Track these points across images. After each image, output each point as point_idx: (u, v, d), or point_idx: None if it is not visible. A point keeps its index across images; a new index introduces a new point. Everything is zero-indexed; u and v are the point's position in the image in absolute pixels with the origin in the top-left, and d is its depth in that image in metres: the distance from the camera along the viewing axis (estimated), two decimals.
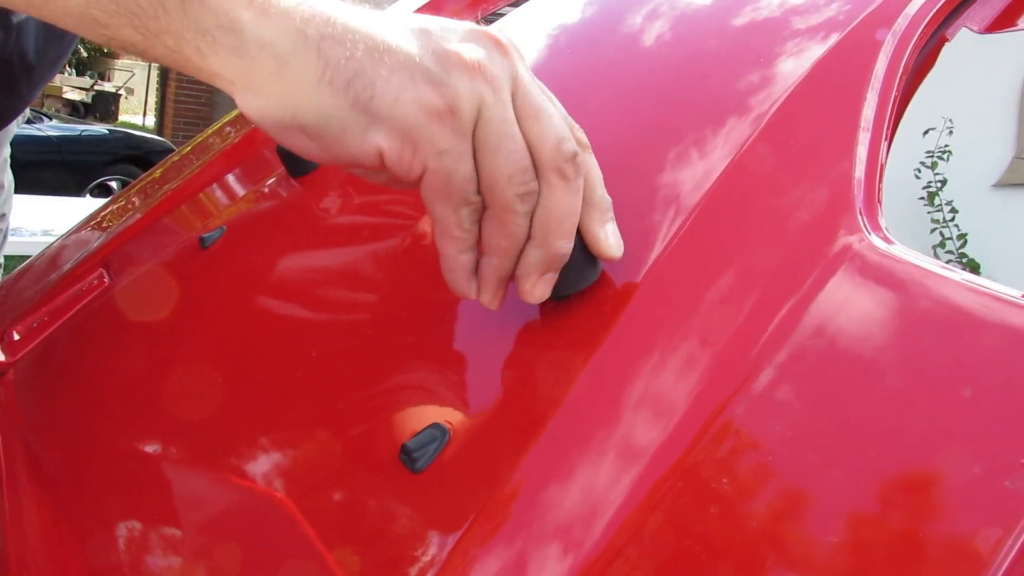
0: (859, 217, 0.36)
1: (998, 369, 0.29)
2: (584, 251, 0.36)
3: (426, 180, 0.33)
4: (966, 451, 0.27)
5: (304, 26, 0.31)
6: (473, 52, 0.32)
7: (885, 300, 0.33)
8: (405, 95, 0.31)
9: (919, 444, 0.28)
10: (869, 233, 0.36)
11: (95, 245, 0.77)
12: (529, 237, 0.35)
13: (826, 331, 0.33)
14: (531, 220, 0.34)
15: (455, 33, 0.33)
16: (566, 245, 0.35)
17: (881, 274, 0.34)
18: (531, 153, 0.33)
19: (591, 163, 0.37)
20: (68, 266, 0.75)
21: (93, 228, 0.84)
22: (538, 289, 0.35)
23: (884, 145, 0.39)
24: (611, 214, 0.37)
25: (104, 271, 0.72)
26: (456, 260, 0.35)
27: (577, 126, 0.37)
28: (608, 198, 0.37)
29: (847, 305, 0.33)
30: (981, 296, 0.32)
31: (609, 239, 0.36)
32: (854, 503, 0.28)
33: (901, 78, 0.41)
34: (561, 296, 0.37)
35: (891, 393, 0.30)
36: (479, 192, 0.33)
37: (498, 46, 0.33)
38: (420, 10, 0.76)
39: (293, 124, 0.32)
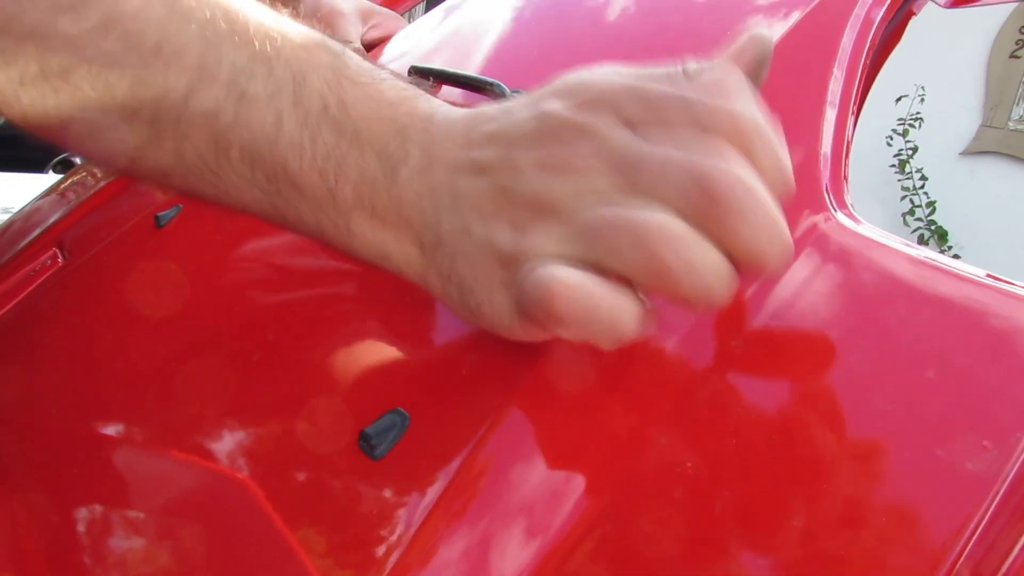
0: (825, 195, 0.36)
1: (962, 349, 0.29)
2: None
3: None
4: (930, 432, 0.27)
5: (422, 231, 0.31)
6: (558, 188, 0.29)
7: (850, 279, 0.33)
8: (495, 285, 0.30)
9: (882, 425, 0.28)
10: (835, 211, 0.35)
11: (49, 223, 0.75)
12: None
13: (791, 309, 0.32)
14: None
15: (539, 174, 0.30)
16: None
17: (847, 253, 0.33)
18: None
19: None
20: (20, 245, 0.73)
21: (48, 205, 0.82)
22: None
23: (851, 121, 0.38)
24: None
25: (58, 251, 0.71)
26: None
27: None
28: None
29: (812, 283, 0.33)
30: (947, 276, 0.31)
31: None
32: (813, 483, 0.28)
33: (868, 53, 0.40)
34: None
35: (855, 373, 0.30)
36: None
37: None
38: None
39: (468, 316, 0.32)
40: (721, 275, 0.27)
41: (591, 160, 0.28)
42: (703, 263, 0.26)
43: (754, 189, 0.26)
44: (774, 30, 0.42)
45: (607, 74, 0.29)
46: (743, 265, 0.27)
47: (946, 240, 3.46)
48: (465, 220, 0.30)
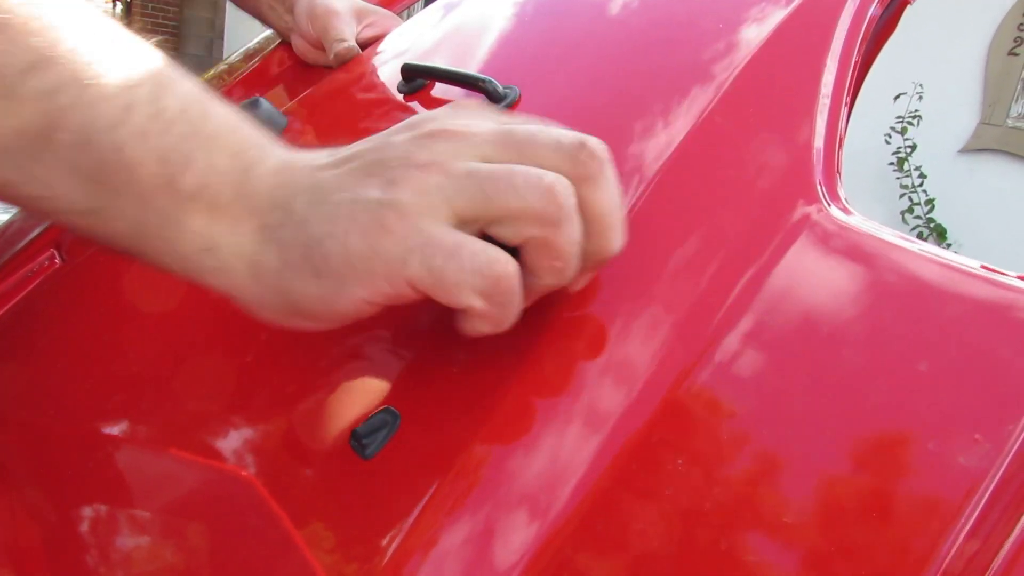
0: (818, 187, 0.36)
1: (954, 342, 0.29)
2: None
3: (420, 287, 0.30)
4: (921, 426, 0.27)
5: (269, 216, 0.31)
6: (420, 157, 0.31)
7: (843, 271, 0.33)
8: (351, 237, 0.29)
9: (873, 417, 0.28)
10: (828, 204, 0.35)
11: (47, 224, 0.75)
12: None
13: (784, 302, 0.32)
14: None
15: (400, 148, 0.31)
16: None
17: (839, 245, 0.33)
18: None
19: None
20: (18, 246, 0.73)
21: None
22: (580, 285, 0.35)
23: (844, 112, 0.38)
24: None
25: (56, 251, 0.71)
26: None
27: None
28: None
29: (805, 276, 0.33)
30: (939, 268, 0.31)
31: None
32: (802, 476, 0.27)
33: (861, 44, 0.40)
34: None
35: (847, 365, 0.30)
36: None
37: (440, 130, 0.31)
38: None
39: (293, 313, 0.32)
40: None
41: (468, 139, 0.31)
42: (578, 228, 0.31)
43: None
44: (770, 19, 0.42)
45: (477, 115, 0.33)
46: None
47: (945, 237, 3.47)
48: (323, 194, 0.31)
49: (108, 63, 0.30)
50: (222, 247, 0.31)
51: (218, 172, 0.31)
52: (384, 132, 0.33)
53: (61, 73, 0.29)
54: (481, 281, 0.29)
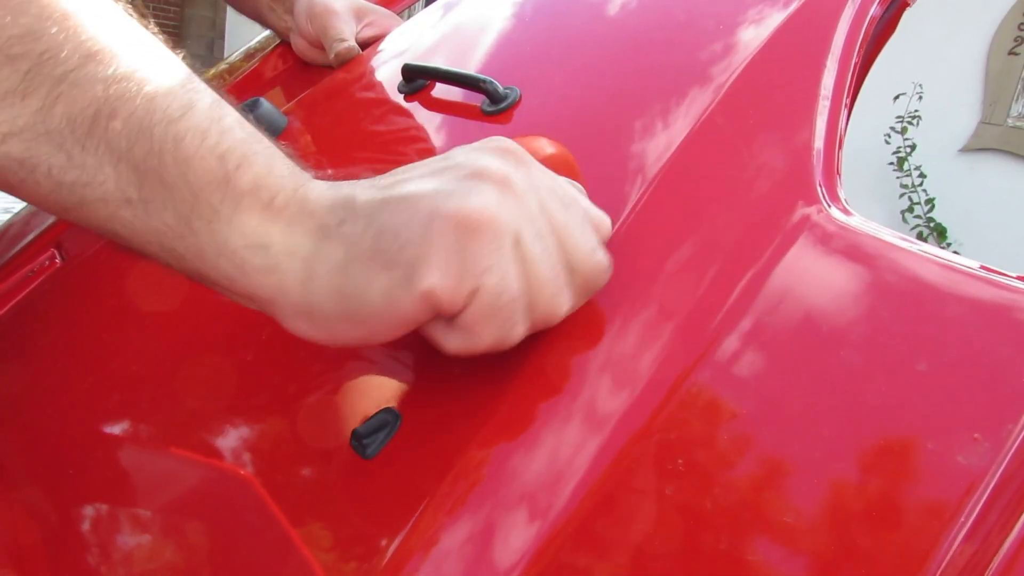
0: (818, 188, 0.36)
1: (954, 342, 0.29)
2: None
3: (473, 305, 0.31)
4: (920, 426, 0.27)
5: (327, 217, 0.31)
6: (497, 166, 0.32)
7: (842, 272, 0.33)
8: (435, 223, 0.30)
9: (873, 418, 0.28)
10: (828, 205, 0.35)
11: (47, 224, 0.75)
12: None
13: (784, 303, 0.32)
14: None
15: (467, 155, 0.32)
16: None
17: (839, 245, 0.33)
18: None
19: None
20: (20, 246, 0.73)
21: None
22: None
23: (844, 114, 0.38)
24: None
25: (56, 251, 0.71)
26: None
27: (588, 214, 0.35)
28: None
29: (805, 276, 0.33)
30: (939, 268, 0.31)
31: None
32: (802, 477, 0.28)
33: (861, 45, 0.40)
34: None
35: (847, 366, 0.30)
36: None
37: (516, 159, 0.33)
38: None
39: (342, 318, 0.31)
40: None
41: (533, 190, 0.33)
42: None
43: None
44: (770, 21, 0.42)
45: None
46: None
47: (945, 237, 3.46)
48: (388, 191, 0.31)
49: (166, 64, 0.31)
50: (274, 245, 0.31)
51: (276, 175, 0.31)
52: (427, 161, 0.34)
53: (120, 65, 0.30)
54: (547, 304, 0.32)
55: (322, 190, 0.32)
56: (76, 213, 0.32)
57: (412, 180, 0.32)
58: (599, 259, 0.33)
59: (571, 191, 0.34)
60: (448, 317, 0.31)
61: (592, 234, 0.33)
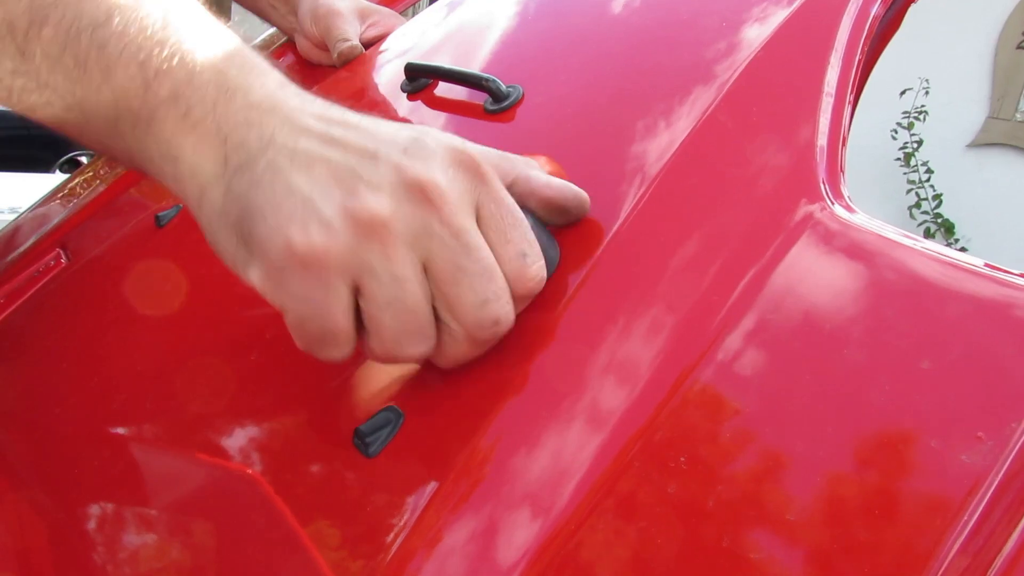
0: (822, 186, 0.36)
1: (957, 339, 0.29)
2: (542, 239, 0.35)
3: (284, 316, 0.32)
4: (924, 424, 0.27)
5: (231, 153, 0.31)
6: (379, 206, 0.30)
7: (846, 269, 0.33)
8: (273, 238, 0.30)
9: (876, 416, 0.28)
10: (832, 202, 0.35)
11: (53, 224, 0.75)
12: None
13: (787, 300, 0.32)
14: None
15: (382, 176, 0.31)
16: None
17: (842, 243, 0.33)
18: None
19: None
20: (25, 246, 0.74)
21: (53, 205, 0.82)
22: None
23: (848, 111, 0.38)
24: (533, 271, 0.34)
25: (61, 251, 0.71)
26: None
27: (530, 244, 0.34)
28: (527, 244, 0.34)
29: (808, 274, 0.33)
30: (942, 266, 0.31)
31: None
32: (805, 474, 0.27)
33: (865, 41, 0.40)
34: None
35: (850, 363, 0.30)
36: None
37: (425, 198, 0.31)
38: None
39: (218, 252, 0.32)
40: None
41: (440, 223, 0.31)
42: None
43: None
44: (773, 18, 0.42)
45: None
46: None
47: (953, 233, 3.44)
48: (288, 168, 0.30)
49: None
50: (182, 160, 0.31)
51: (195, 85, 0.31)
52: (389, 127, 0.33)
53: None
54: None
55: (246, 114, 0.31)
56: (33, 117, 0.33)
57: (322, 159, 0.31)
58: (485, 313, 0.31)
59: (504, 232, 0.32)
60: None
61: (489, 285, 0.31)
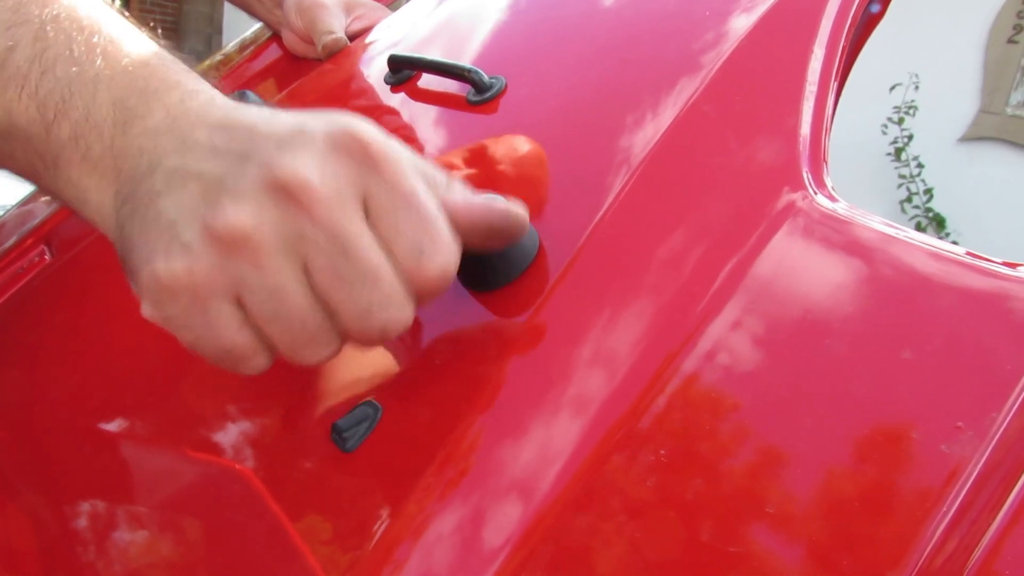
0: (804, 175, 0.35)
1: (938, 329, 0.28)
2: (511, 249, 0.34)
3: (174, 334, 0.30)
4: (903, 415, 0.27)
5: (122, 185, 0.30)
6: (238, 219, 0.28)
7: (827, 259, 0.32)
8: (143, 270, 0.29)
9: (855, 407, 0.28)
10: (815, 191, 0.35)
11: (37, 221, 0.74)
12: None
13: (768, 290, 0.32)
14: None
15: (248, 181, 0.28)
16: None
17: (824, 232, 0.33)
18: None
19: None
20: (9, 243, 0.73)
21: (38, 203, 0.82)
22: None
23: (831, 100, 0.38)
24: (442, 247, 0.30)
25: (45, 248, 0.70)
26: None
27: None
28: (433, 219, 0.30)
29: (790, 263, 0.33)
30: (925, 255, 0.31)
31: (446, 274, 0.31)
32: (786, 465, 0.27)
33: (849, 31, 0.40)
34: (506, 283, 0.35)
35: (829, 353, 0.29)
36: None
37: (294, 201, 0.28)
38: None
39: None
40: None
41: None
42: None
43: None
44: (754, 10, 0.42)
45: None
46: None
47: (944, 227, 3.46)
48: (163, 196, 0.29)
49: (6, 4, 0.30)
50: (89, 202, 0.31)
51: (93, 123, 0.30)
52: (280, 120, 0.30)
53: None
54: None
55: (139, 143, 0.30)
56: None
57: (188, 181, 0.29)
58: (369, 321, 0.29)
59: (395, 225, 0.29)
60: None
61: (373, 291, 0.28)
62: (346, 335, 0.30)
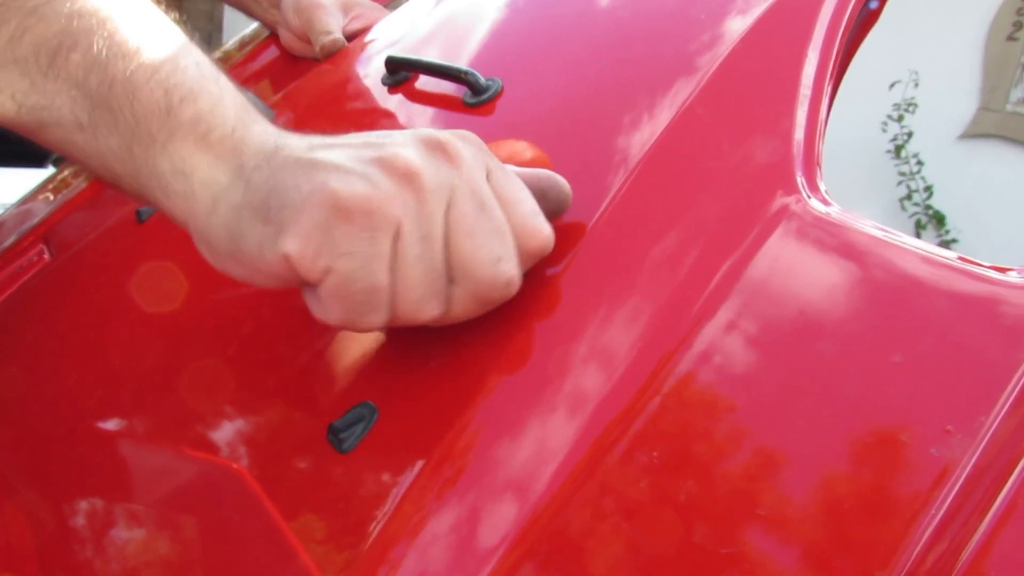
0: (798, 179, 0.36)
1: (928, 333, 0.29)
2: None
3: (325, 283, 0.32)
4: (892, 418, 0.27)
5: (248, 159, 0.33)
6: (411, 157, 0.32)
7: (819, 262, 0.33)
8: (315, 196, 0.31)
9: (845, 410, 0.28)
10: (808, 195, 0.35)
11: (36, 220, 0.75)
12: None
13: (761, 293, 0.32)
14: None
15: (398, 139, 0.33)
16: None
17: (817, 236, 0.33)
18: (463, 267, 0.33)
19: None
20: (7, 242, 0.73)
21: (37, 201, 0.82)
22: None
23: (825, 104, 0.38)
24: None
25: (44, 247, 0.71)
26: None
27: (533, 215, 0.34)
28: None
29: (783, 266, 0.33)
30: (916, 260, 0.31)
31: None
32: (777, 468, 0.28)
33: (843, 34, 0.40)
34: None
35: (821, 356, 0.30)
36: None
37: (445, 154, 0.32)
38: None
39: (228, 255, 0.33)
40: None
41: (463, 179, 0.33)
42: None
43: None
44: (749, 13, 0.42)
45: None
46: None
47: (944, 225, 3.45)
48: (309, 154, 0.32)
49: (129, 4, 0.34)
50: (195, 173, 0.33)
51: (218, 114, 0.33)
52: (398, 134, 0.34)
53: (86, 3, 0.33)
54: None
55: (261, 135, 0.34)
56: (37, 135, 0.34)
57: (335, 148, 0.33)
58: (499, 271, 0.32)
59: (512, 192, 0.34)
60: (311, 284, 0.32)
61: (502, 245, 0.33)
62: (472, 291, 0.33)
